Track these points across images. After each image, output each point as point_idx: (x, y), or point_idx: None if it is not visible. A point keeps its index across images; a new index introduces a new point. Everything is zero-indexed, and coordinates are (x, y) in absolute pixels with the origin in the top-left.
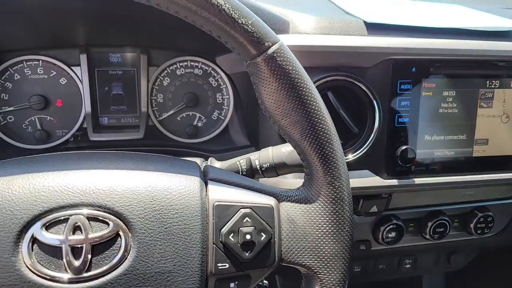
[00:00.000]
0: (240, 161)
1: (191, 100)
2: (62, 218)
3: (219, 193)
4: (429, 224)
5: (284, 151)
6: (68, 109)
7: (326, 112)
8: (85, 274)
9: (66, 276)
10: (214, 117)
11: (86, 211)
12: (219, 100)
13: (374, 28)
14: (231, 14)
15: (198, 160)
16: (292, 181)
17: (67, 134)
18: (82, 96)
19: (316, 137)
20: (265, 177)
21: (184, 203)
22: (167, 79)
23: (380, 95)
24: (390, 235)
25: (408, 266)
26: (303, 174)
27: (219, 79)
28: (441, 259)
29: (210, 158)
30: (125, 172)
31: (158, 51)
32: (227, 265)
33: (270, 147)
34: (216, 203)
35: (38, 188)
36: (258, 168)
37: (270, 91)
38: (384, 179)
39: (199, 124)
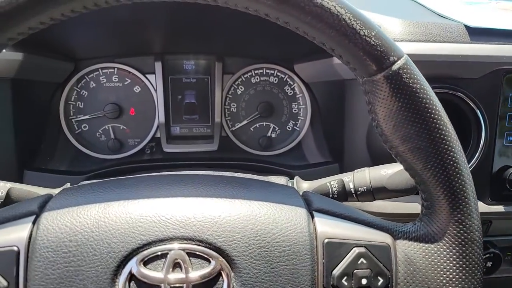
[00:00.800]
0: (331, 182)
1: (265, 110)
2: (160, 253)
3: (328, 228)
4: None
5: (383, 174)
6: (141, 118)
7: (456, 139)
8: None
9: None
10: (288, 128)
11: (185, 245)
12: (295, 110)
13: (478, 33)
14: (352, 24)
15: (283, 179)
16: (381, 204)
17: (140, 144)
18: (156, 104)
19: (444, 167)
20: (358, 201)
21: (291, 239)
22: (241, 88)
23: (487, 110)
24: (485, 264)
25: None
26: (397, 197)
27: (295, 88)
28: None
29: (296, 177)
30: (226, 202)
31: (233, 58)
32: None
33: (366, 169)
34: (327, 240)
35: (135, 218)
36: (353, 192)
37: (390, 113)
38: (488, 204)
39: (273, 135)
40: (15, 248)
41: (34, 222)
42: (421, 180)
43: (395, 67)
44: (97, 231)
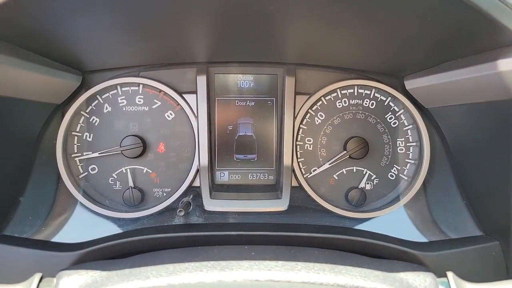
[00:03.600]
0: None
1: (356, 148)
2: None
3: None
4: None
5: None
6: (173, 158)
7: None
8: None
9: None
10: (391, 175)
11: None
12: (401, 149)
13: None
14: None
15: (428, 278)
16: None
17: (170, 196)
18: (196, 138)
19: None
20: None
21: None
22: (320, 115)
23: None
24: None
25: None
26: None
27: (403, 116)
28: None
29: (450, 275)
30: None
31: (310, 72)
32: None
33: None
34: None
35: None
36: None
37: None
38: None
39: (368, 187)
40: None
41: None
42: None
43: None
44: None
